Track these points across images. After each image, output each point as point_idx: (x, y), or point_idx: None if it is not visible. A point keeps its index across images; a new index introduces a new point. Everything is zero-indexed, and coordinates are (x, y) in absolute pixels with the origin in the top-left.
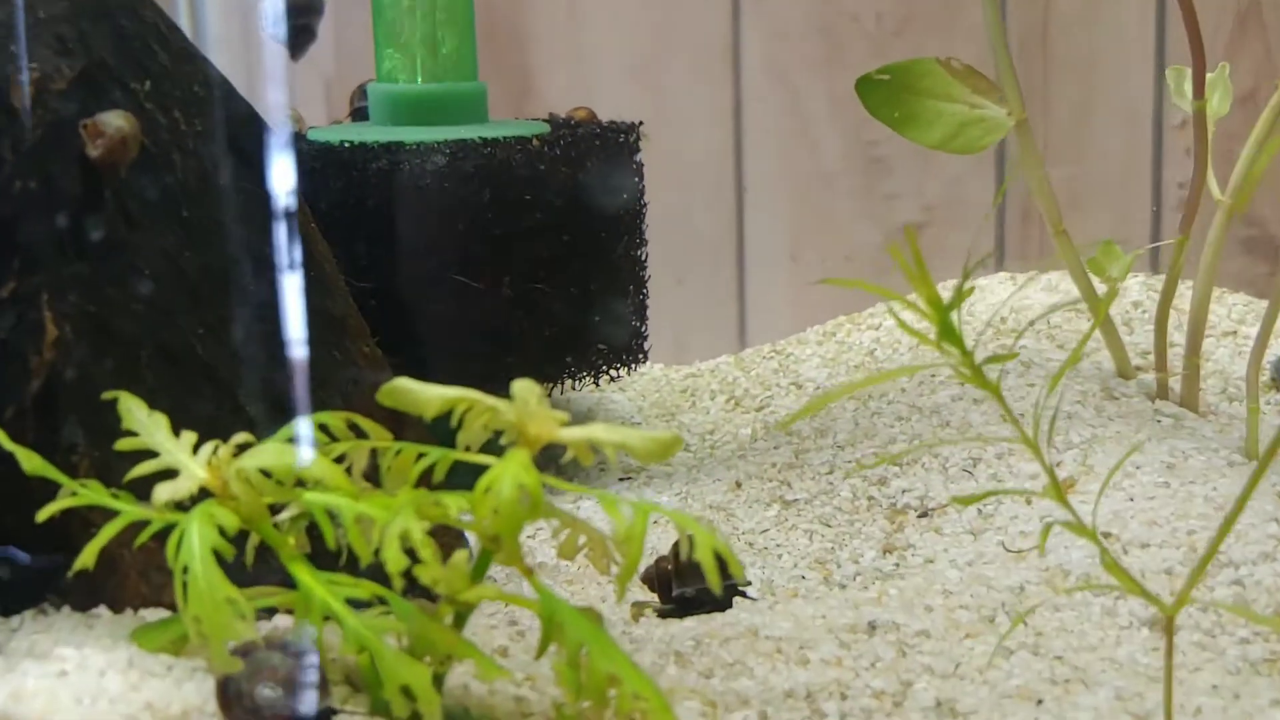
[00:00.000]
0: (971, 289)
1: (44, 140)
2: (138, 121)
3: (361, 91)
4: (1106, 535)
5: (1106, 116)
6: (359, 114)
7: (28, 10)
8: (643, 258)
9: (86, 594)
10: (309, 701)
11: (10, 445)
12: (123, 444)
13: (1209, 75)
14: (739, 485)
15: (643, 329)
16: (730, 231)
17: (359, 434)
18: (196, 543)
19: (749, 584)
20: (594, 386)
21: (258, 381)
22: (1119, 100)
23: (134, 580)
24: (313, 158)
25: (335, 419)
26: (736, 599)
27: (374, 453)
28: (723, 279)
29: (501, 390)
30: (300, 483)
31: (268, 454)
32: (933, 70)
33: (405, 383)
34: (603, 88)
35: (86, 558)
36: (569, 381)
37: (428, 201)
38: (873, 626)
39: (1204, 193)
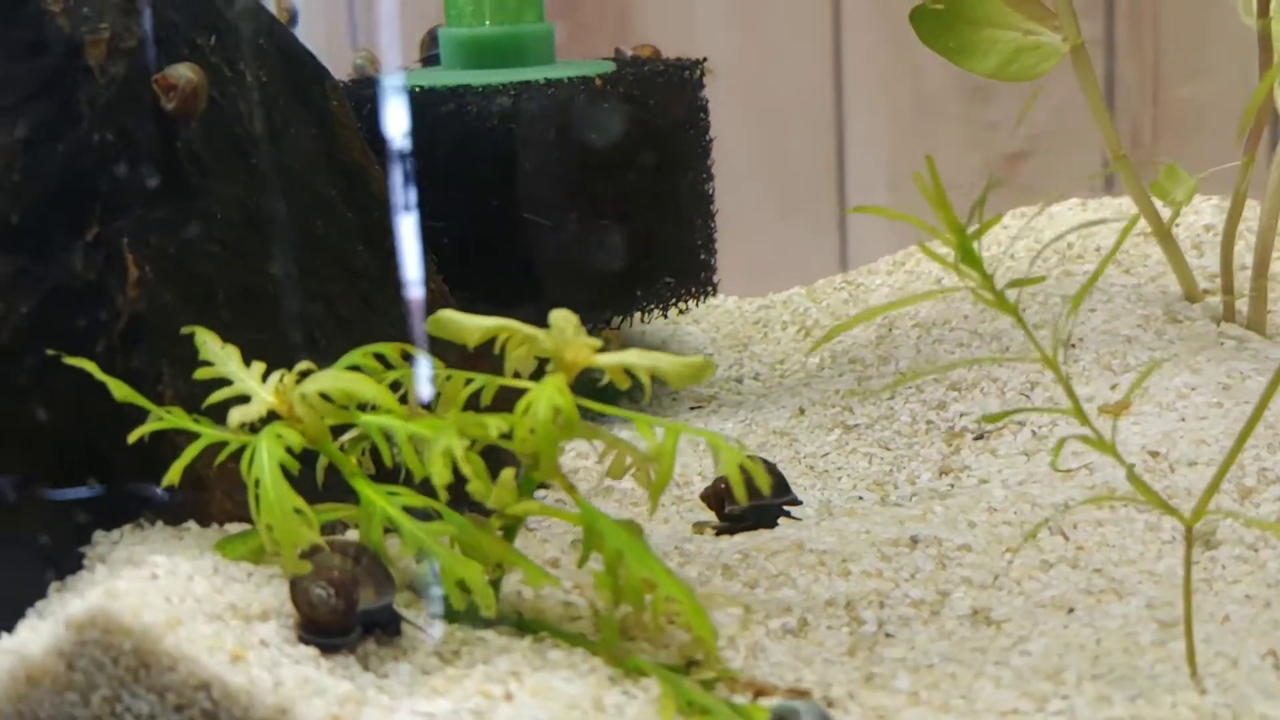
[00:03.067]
0: (999, 217)
1: (118, 95)
2: (205, 74)
3: (432, 37)
4: (1154, 454)
5: (1219, 36)
6: (430, 60)
7: None
8: (710, 192)
9: (177, 510)
10: (366, 599)
11: (102, 376)
12: (200, 373)
13: None
14: (802, 411)
15: (711, 262)
16: (831, 162)
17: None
18: (266, 459)
19: (798, 503)
20: (665, 319)
21: (329, 318)
22: (1231, 18)
23: (219, 498)
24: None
25: (390, 349)
26: (784, 519)
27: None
28: (824, 210)
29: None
30: (360, 407)
31: (327, 379)
32: None
33: (449, 314)
34: (701, 22)
35: (172, 474)
36: (638, 314)
37: (495, 143)
38: (915, 541)
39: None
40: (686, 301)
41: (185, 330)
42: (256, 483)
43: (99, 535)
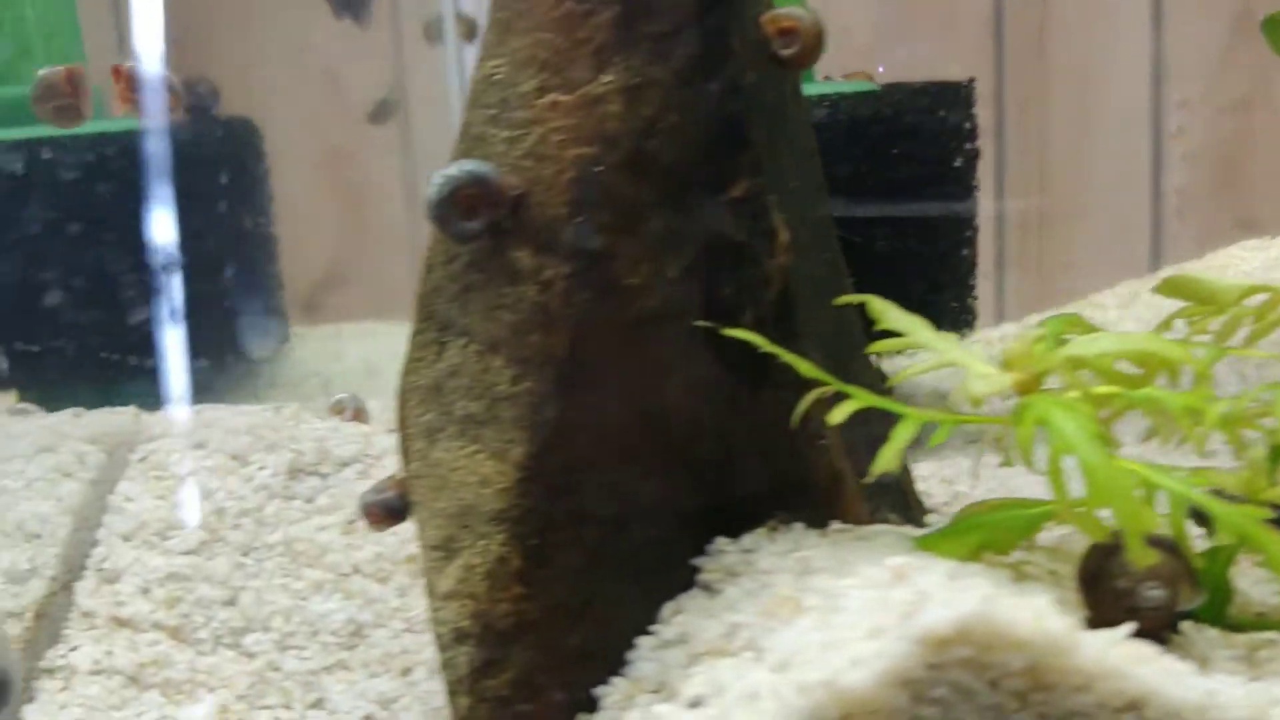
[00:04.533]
0: None
1: (753, 33)
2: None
3: None
4: None
5: (1104, 124)
6: None
7: None
8: (975, 213)
9: (816, 511)
10: (1190, 600)
11: (779, 350)
12: (882, 345)
13: None
14: None
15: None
16: None
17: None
18: (1078, 431)
19: None
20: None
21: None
22: (1116, 107)
23: (852, 497)
24: None
25: (1076, 320)
26: None
27: None
28: None
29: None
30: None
31: (1111, 342)
32: None
33: (1190, 275)
34: None
35: (886, 459)
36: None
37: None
38: None
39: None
40: (970, 326)
41: (845, 300)
42: (1059, 460)
43: (722, 543)
